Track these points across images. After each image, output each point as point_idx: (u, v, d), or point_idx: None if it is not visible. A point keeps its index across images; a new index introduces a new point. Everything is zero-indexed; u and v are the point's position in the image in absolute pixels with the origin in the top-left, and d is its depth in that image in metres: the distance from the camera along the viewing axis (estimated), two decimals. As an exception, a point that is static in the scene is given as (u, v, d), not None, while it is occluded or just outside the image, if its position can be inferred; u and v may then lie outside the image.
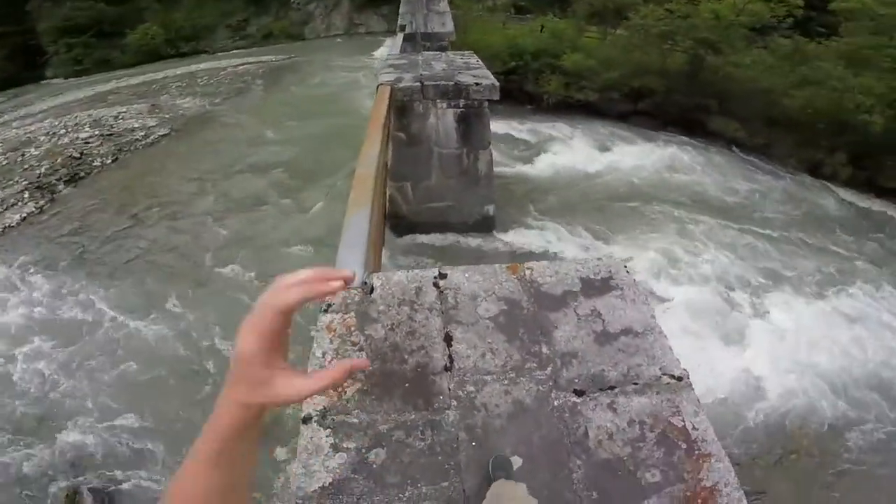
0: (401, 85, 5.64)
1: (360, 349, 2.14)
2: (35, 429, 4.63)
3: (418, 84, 5.66)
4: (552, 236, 6.99)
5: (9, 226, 7.96)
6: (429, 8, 11.59)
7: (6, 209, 8.39)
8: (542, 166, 9.39)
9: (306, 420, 1.83)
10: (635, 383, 1.92)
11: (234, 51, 25.11)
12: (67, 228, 7.79)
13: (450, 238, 6.40)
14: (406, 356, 2.09)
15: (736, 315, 5.89)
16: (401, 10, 11.70)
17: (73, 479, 4.16)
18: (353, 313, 2.21)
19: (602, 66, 12.53)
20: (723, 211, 8.37)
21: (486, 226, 6.63)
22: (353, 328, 2.19)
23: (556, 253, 6.60)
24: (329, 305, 2.24)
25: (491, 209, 6.56)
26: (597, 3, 14.85)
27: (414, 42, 10.09)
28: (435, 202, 6.30)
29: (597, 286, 2.26)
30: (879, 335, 5.72)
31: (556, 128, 11.49)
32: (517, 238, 6.75)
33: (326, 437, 1.76)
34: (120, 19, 26.88)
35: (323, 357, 2.13)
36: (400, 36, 9.77)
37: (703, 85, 12.12)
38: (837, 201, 9.68)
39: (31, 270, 6.83)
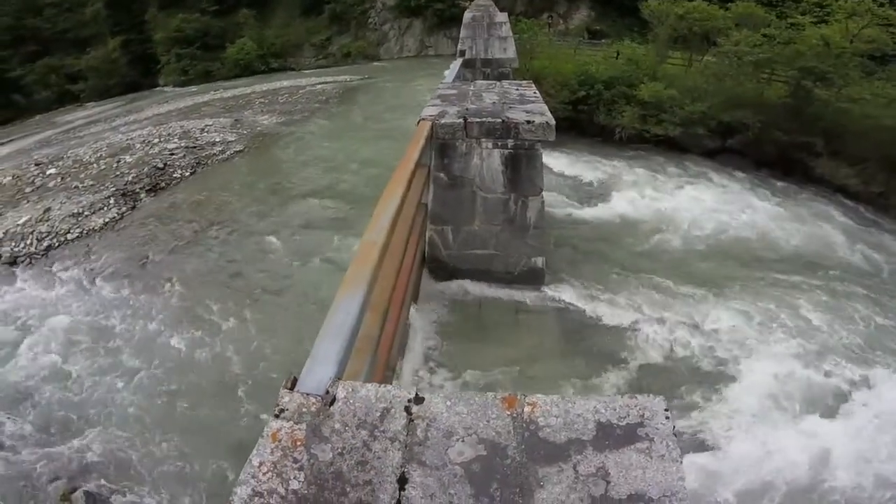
0: (443, 121, 5.24)
1: (301, 468, 1.80)
2: (59, 429, 4.87)
3: (461, 121, 5.20)
4: (613, 298, 6.02)
5: (92, 229, 8.75)
6: (490, 33, 11.08)
7: (94, 213, 9.26)
8: (609, 210, 8.40)
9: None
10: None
11: (317, 69, 26.82)
12: (139, 237, 8.39)
13: (492, 289, 5.78)
14: (348, 489, 1.71)
15: (833, 393, 4.85)
16: (461, 35, 11.21)
17: (79, 481, 4.30)
18: (304, 425, 1.87)
19: (685, 96, 11.42)
20: (826, 275, 6.94)
21: (534, 278, 5.90)
22: (299, 443, 1.85)
23: (610, 326, 5.55)
24: (283, 410, 1.92)
25: (540, 261, 5.83)
26: (681, 28, 13.60)
27: (473, 68, 9.79)
28: (477, 249, 5.75)
29: (616, 435, 1.71)
30: None
31: (629, 165, 10.51)
32: (570, 297, 5.90)
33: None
34: (222, 32, 29.92)
35: (259, 467, 1.82)
36: (459, 61, 9.52)
37: (809, 121, 10.58)
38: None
39: (99, 275, 7.38)
